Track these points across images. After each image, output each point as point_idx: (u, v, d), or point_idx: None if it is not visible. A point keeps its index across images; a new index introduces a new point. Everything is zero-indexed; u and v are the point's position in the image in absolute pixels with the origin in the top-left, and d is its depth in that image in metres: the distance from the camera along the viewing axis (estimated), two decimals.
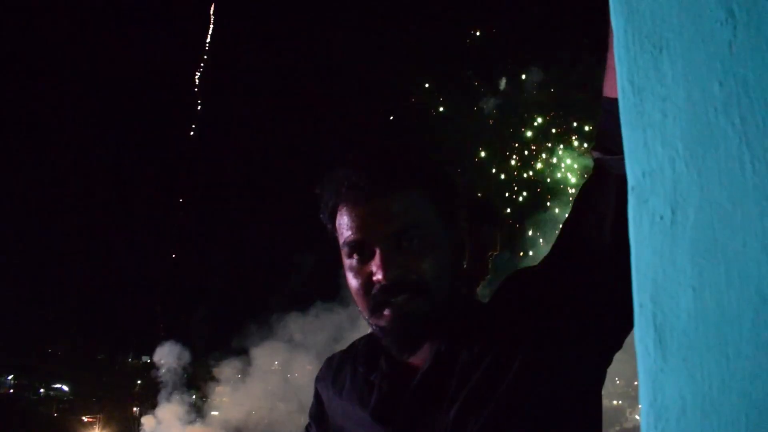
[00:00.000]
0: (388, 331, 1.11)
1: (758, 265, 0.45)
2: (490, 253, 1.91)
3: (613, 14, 0.58)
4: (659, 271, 0.49)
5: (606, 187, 1.02)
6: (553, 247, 1.13)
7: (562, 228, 1.12)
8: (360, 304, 1.14)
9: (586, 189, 1.07)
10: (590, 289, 1.05)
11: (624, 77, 0.56)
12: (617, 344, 1.09)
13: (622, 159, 0.94)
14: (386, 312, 1.09)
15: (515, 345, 1.08)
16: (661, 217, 0.50)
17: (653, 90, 0.54)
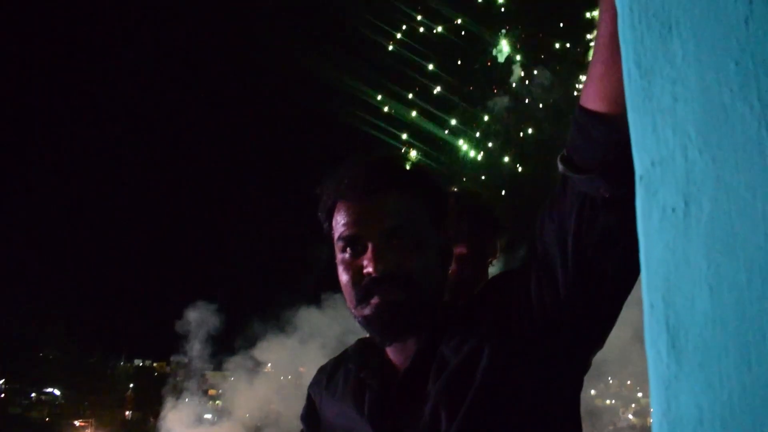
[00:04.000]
0: (372, 319, 1.16)
1: None
2: (489, 260, 1.97)
3: None
4: (672, 268, 0.45)
5: (569, 203, 1.01)
6: (528, 252, 1.15)
7: (531, 234, 1.13)
8: (348, 296, 1.19)
9: (551, 200, 1.07)
10: (554, 299, 1.06)
11: (630, 59, 0.52)
12: (587, 352, 1.14)
13: (586, 180, 0.95)
14: (373, 301, 1.15)
15: (487, 345, 1.11)
16: (673, 210, 0.46)
17: (662, 72, 0.49)
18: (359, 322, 1.20)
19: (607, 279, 1.01)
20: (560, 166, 1.00)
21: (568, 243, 1.01)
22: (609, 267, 1.00)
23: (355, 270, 1.17)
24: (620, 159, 0.85)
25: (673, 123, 0.48)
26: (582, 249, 1.00)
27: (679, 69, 0.48)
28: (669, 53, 0.49)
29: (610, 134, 0.89)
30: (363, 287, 1.15)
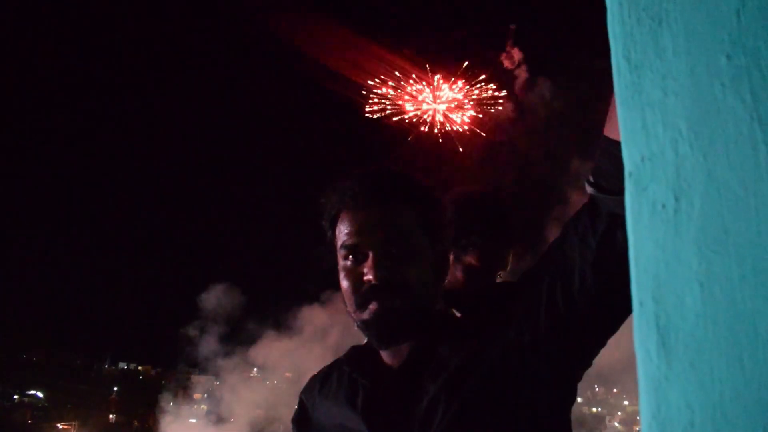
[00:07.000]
0: (371, 323, 1.22)
1: None
2: (499, 273, 1.94)
3: None
4: (662, 265, 0.44)
5: (595, 221, 1.08)
6: (538, 263, 1.20)
7: (549, 247, 1.19)
8: (348, 301, 1.26)
9: (576, 217, 1.13)
10: (568, 306, 1.11)
11: (619, 53, 0.51)
12: (585, 363, 1.20)
13: (617, 201, 0.99)
14: (372, 306, 1.21)
15: (488, 348, 1.17)
16: (663, 206, 0.45)
17: (652, 66, 0.49)
18: (358, 326, 1.26)
19: (622, 291, 1.05)
20: (589, 189, 1.07)
21: (588, 256, 1.07)
22: (625, 280, 1.04)
23: (355, 277, 1.24)
24: None
25: (663, 118, 0.47)
26: (603, 263, 1.06)
27: (670, 63, 0.47)
28: (659, 47, 0.48)
29: None
30: (362, 294, 1.22)
